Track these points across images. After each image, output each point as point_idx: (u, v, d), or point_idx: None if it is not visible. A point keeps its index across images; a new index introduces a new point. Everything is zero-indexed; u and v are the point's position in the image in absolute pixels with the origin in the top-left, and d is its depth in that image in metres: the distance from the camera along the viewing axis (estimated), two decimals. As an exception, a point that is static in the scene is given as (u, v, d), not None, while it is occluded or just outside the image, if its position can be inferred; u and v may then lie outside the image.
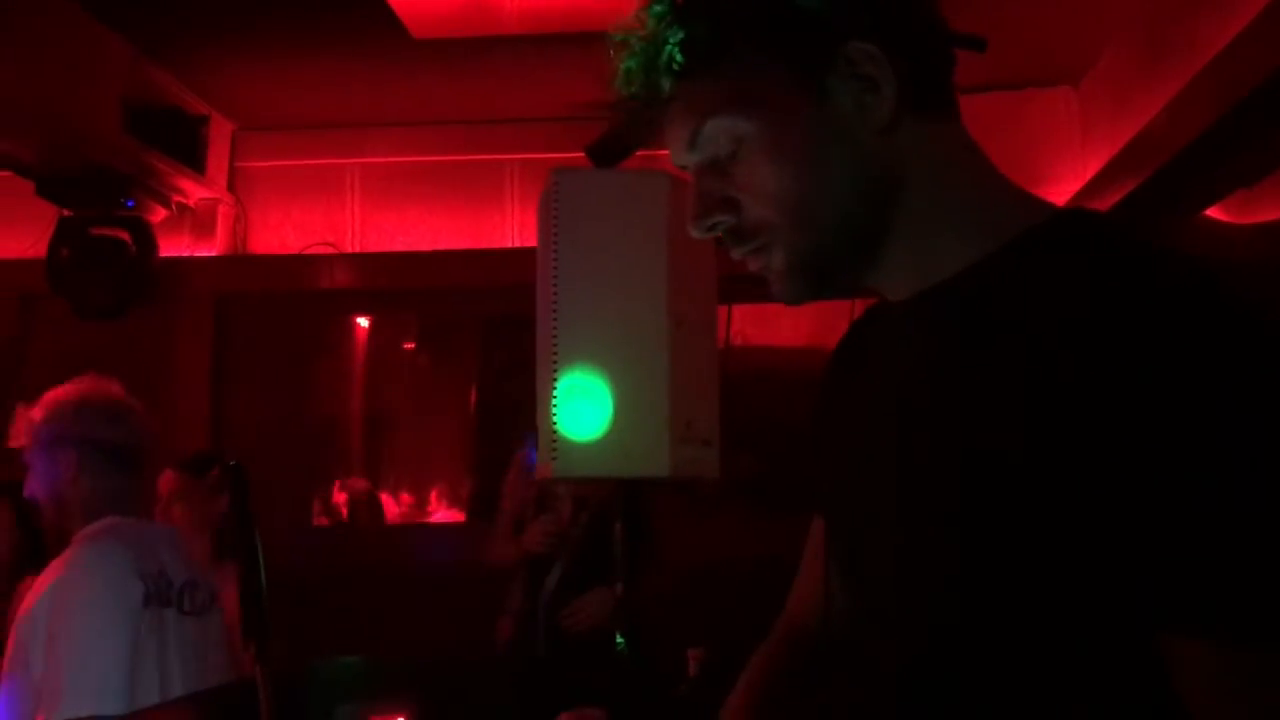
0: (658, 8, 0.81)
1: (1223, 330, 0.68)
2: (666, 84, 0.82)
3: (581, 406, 1.89)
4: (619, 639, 2.15)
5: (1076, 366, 0.69)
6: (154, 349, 4.47)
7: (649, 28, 0.81)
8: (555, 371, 1.90)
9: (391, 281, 4.49)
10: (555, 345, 1.91)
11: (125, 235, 4.25)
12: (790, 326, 4.27)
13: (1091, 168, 4.02)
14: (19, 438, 2.12)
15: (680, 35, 0.79)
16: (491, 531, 3.32)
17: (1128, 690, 0.72)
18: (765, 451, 4.21)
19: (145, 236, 4.29)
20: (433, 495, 4.75)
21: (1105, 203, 3.73)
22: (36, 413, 2.14)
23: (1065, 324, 0.71)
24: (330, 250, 4.60)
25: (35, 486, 2.15)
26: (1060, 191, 4.09)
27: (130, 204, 4.21)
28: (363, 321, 4.80)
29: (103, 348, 4.34)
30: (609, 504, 3.46)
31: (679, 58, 0.80)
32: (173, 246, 4.51)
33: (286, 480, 4.23)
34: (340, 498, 4.60)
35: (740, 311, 4.11)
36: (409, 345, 4.80)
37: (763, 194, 0.82)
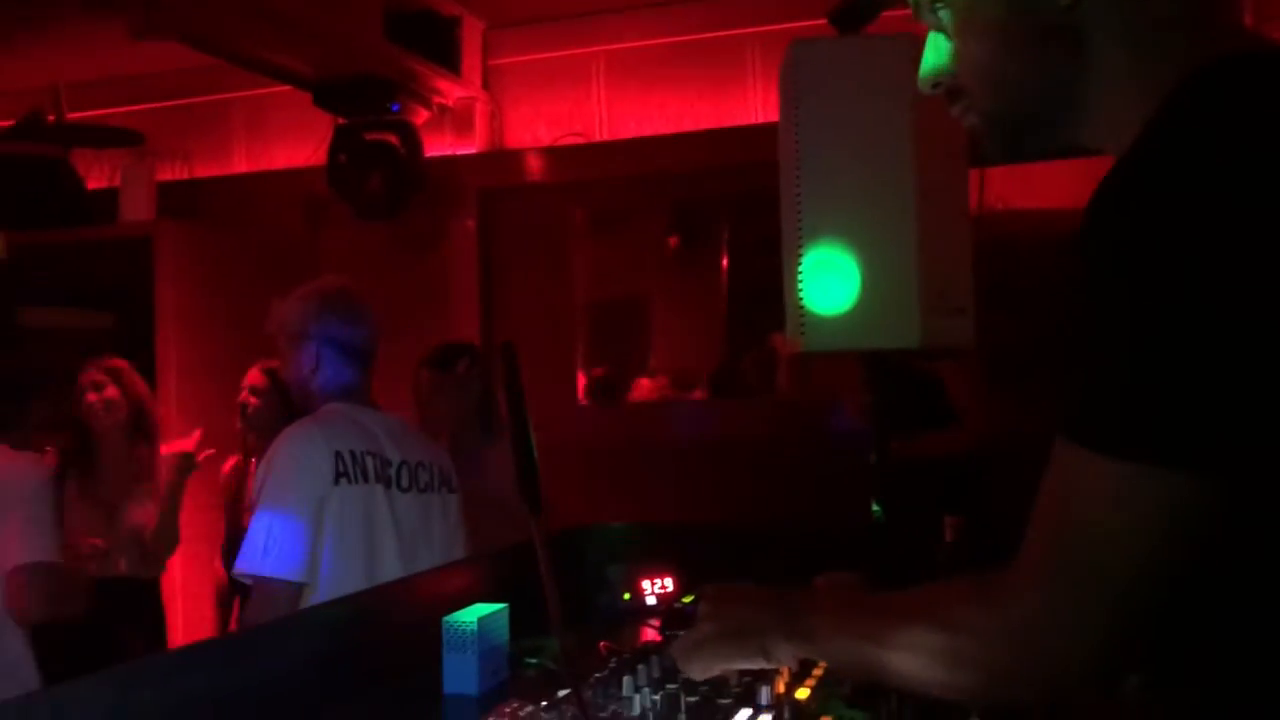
0: None
1: None
2: None
3: (828, 280, 1.90)
4: (875, 506, 2.19)
5: (1250, 216, 0.74)
6: (426, 244, 4.81)
7: None
8: (801, 246, 1.92)
9: (639, 167, 4.57)
10: (800, 220, 1.92)
11: (394, 139, 4.53)
12: (1052, 187, 4.03)
13: None
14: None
15: None
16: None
17: None
18: (1028, 319, 4.06)
19: (412, 138, 4.56)
20: (686, 374, 4.88)
21: None
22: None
23: (1229, 174, 0.76)
24: (580, 140, 4.73)
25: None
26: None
27: (396, 108, 4.47)
28: (613, 207, 4.93)
29: (382, 245, 4.72)
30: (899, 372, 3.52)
31: None
32: (436, 146, 4.76)
33: (553, 361, 4.48)
34: (595, 376, 4.81)
35: (996, 174, 3.92)
36: (659, 228, 4.90)
37: (962, 61, 0.97)
